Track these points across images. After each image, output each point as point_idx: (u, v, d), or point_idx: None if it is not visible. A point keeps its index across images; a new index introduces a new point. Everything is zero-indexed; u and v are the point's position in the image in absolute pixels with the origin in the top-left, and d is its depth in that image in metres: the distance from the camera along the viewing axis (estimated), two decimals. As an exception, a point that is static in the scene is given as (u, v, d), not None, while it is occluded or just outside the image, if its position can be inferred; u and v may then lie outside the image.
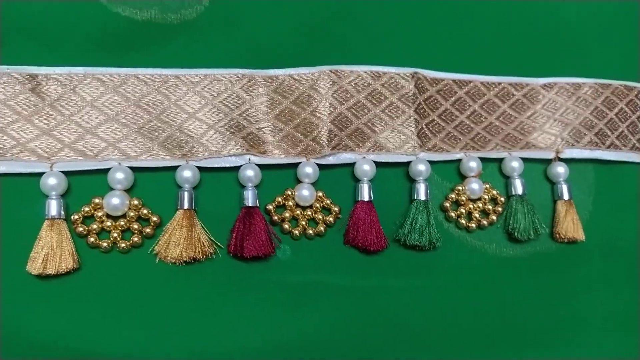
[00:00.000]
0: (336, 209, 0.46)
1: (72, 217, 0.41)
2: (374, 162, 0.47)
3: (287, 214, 0.45)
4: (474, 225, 0.49)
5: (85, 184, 0.42)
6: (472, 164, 0.49)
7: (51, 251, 0.39)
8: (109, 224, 0.41)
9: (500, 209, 0.50)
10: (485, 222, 0.49)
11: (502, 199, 0.50)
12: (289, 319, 0.44)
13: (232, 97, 0.46)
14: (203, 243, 0.42)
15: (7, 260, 0.40)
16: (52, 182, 0.41)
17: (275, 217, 0.45)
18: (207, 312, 0.43)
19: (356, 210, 0.46)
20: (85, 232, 0.41)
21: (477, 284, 0.48)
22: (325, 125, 0.46)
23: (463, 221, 0.48)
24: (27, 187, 0.41)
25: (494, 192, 0.50)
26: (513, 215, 0.49)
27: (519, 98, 0.53)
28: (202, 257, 0.42)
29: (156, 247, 0.42)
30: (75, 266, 0.40)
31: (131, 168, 0.43)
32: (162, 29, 0.47)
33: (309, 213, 0.46)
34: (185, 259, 0.42)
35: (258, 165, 0.45)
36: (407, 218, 0.47)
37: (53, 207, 0.40)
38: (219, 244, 0.43)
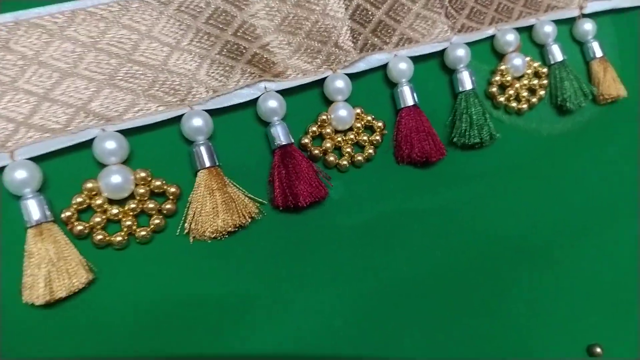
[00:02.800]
0: (380, 124, 0.38)
1: (62, 216, 0.30)
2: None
3: (328, 144, 0.36)
4: (525, 106, 0.42)
5: (66, 168, 0.31)
6: (510, 37, 0.42)
7: (52, 267, 0.28)
8: (115, 211, 0.31)
9: (545, 81, 0.43)
10: (535, 100, 0.43)
11: (545, 70, 0.43)
12: (368, 263, 0.36)
13: (217, 13, 0.35)
14: (245, 203, 0.33)
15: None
16: (21, 175, 0.29)
17: (316, 151, 0.36)
18: (273, 281, 0.34)
19: (402, 119, 0.38)
20: (87, 230, 0.30)
21: (540, 170, 0.42)
22: (345, 24, 0.37)
23: (514, 104, 0.42)
24: (-14, 192, 0.29)
25: (535, 65, 0.43)
26: (559, 84, 0.43)
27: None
28: (248, 220, 0.33)
29: (186, 224, 0.32)
30: (90, 277, 0.29)
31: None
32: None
33: (352, 137, 0.37)
34: (229, 229, 0.32)
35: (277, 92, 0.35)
36: (459, 114, 0.39)
37: (34, 209, 0.29)
38: (259, 199, 0.34)
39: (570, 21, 0.46)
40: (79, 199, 0.30)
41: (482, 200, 0.40)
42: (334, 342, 0.34)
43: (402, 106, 0.38)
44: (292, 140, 0.35)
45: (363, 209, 0.37)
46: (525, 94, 0.43)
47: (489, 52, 0.43)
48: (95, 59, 0.32)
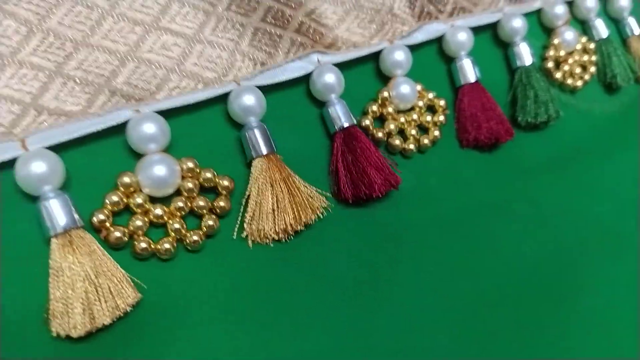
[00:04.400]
0: (442, 103, 0.33)
1: (93, 219, 0.23)
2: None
3: (392, 126, 0.31)
4: (579, 83, 0.39)
5: (92, 160, 0.24)
6: (559, 10, 0.39)
7: (91, 286, 0.21)
8: (158, 212, 0.24)
9: (594, 58, 0.40)
10: (587, 77, 0.40)
11: (592, 46, 0.40)
12: (455, 259, 0.31)
13: (254, -21, 0.29)
14: (310, 197, 0.27)
15: (10, 328, 0.21)
16: (39, 168, 0.22)
17: (380, 134, 0.31)
18: (355, 281, 0.28)
19: (464, 97, 0.34)
20: (125, 237, 0.23)
21: (596, 151, 0.39)
22: (402, -12, 0.32)
23: (569, 81, 0.38)
24: (-8, 192, 0.22)
25: (583, 40, 0.40)
26: (607, 61, 0.41)
27: None
28: (318, 215, 0.27)
29: (245, 224, 0.26)
30: (139, 296, 0.23)
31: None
32: None
33: (414, 118, 0.32)
34: (300, 227, 0.26)
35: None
36: (521, 91, 0.36)
37: (58, 212, 0.22)
38: (325, 193, 0.28)
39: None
40: (114, 198, 0.23)
41: (559, 186, 0.36)
42: (431, 343, 0.29)
43: (463, 83, 0.34)
44: (355, 121, 0.29)
45: (435, 201, 0.32)
46: (578, 70, 0.39)
47: (537, 26, 0.39)
48: (116, 26, 0.26)
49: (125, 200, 0.24)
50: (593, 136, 0.39)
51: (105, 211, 0.23)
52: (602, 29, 0.41)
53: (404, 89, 0.31)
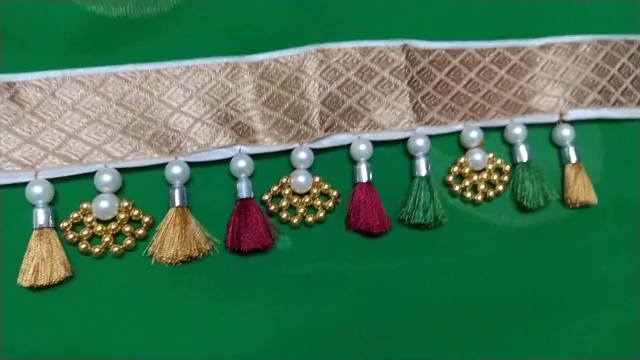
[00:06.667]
0: (335, 193, 0.44)
1: (61, 224, 0.39)
2: (371, 141, 0.45)
3: (284, 203, 0.43)
4: (480, 197, 0.47)
5: (72, 189, 0.41)
6: (473, 135, 0.47)
7: (42, 261, 0.38)
8: (99, 228, 0.40)
9: (506, 178, 0.47)
10: (492, 194, 0.47)
11: (508, 167, 0.48)
12: (295, 312, 0.42)
13: (217, 87, 0.44)
14: (199, 240, 0.41)
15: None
16: (38, 190, 0.39)
17: (272, 207, 0.43)
18: (210, 311, 0.41)
19: (356, 192, 0.44)
20: (75, 239, 0.40)
21: (488, 259, 0.46)
22: (316, 107, 0.44)
23: (469, 194, 0.46)
24: (12, 198, 0.40)
25: (499, 162, 0.48)
26: (520, 183, 0.47)
27: (516, 62, 0.50)
28: (199, 254, 0.41)
29: (150, 248, 0.40)
30: (67, 274, 0.39)
31: (119, 170, 0.41)
32: (139, 24, 0.45)
33: (307, 200, 0.44)
34: (181, 258, 0.40)
35: (250, 155, 0.43)
36: (409, 196, 0.45)
37: (41, 216, 0.39)
38: (215, 240, 0.42)
39: (553, 124, 0.50)
40: (75, 215, 0.40)
41: (417, 275, 0.44)
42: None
43: (357, 181, 0.44)
44: (252, 195, 0.42)
45: (305, 264, 0.43)
46: (482, 186, 0.47)
47: (455, 143, 0.48)
48: (116, 112, 0.43)
49: (81, 217, 0.40)
50: (484, 245, 0.46)
51: (68, 222, 0.40)
52: (524, 154, 0.48)
53: (300, 178, 0.43)
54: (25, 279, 0.38)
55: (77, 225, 0.40)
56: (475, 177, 0.47)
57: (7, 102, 0.41)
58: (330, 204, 0.44)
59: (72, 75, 0.42)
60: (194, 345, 0.40)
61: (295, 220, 0.43)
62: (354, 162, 0.45)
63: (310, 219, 0.44)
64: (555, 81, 0.50)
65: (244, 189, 0.42)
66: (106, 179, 0.40)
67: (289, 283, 0.42)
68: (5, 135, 0.40)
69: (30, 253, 0.38)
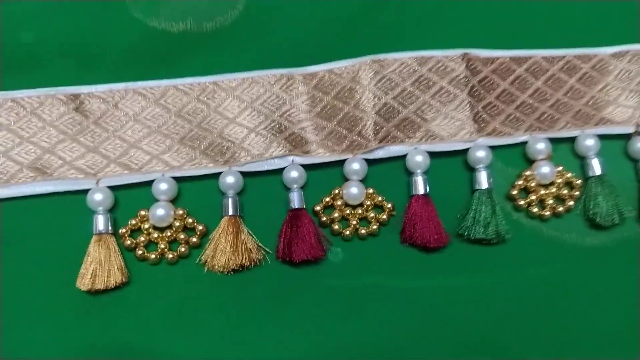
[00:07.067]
0: (389, 205, 0.43)
1: (119, 231, 0.41)
2: (428, 152, 0.43)
3: (336, 214, 0.42)
4: (547, 213, 0.43)
5: (131, 197, 0.42)
6: (540, 146, 0.44)
7: (99, 266, 0.39)
8: (155, 235, 0.41)
9: (577, 193, 0.44)
10: (561, 209, 0.44)
11: (579, 181, 0.44)
12: (344, 325, 0.41)
13: (271, 98, 0.44)
14: (250, 249, 0.40)
15: (58, 277, 0.40)
16: (99, 197, 0.41)
17: (324, 219, 0.42)
18: (259, 320, 0.40)
19: (411, 205, 0.43)
20: (133, 245, 0.40)
21: (555, 279, 0.43)
22: (370, 118, 0.43)
23: (535, 209, 0.43)
24: (75, 205, 0.41)
25: (568, 175, 0.44)
26: (593, 198, 0.44)
27: (587, 71, 0.47)
28: (250, 264, 0.40)
29: (203, 256, 0.40)
30: (124, 280, 0.40)
31: (175, 178, 0.42)
32: (199, 39, 0.46)
33: (360, 212, 0.43)
34: (232, 267, 0.40)
35: (302, 165, 0.43)
36: (469, 210, 0.43)
37: (100, 222, 0.40)
38: (267, 249, 0.41)
39: (628, 135, 0.46)
40: (133, 221, 0.41)
41: (475, 294, 0.42)
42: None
43: (413, 194, 0.43)
44: (304, 206, 0.42)
45: (356, 277, 0.42)
46: (551, 201, 0.44)
47: (519, 155, 0.45)
48: (175, 123, 0.44)
49: (139, 224, 0.41)
50: (551, 263, 0.43)
51: (127, 228, 0.41)
52: (596, 167, 0.44)
53: (353, 189, 0.42)
54: (83, 282, 0.39)
55: (135, 231, 0.41)
56: (542, 192, 0.44)
57: (72, 112, 0.43)
58: (384, 217, 0.43)
59: (134, 87, 0.44)
60: (242, 353, 0.40)
61: (348, 232, 0.42)
62: (409, 173, 0.44)
63: (363, 231, 0.42)
64: (631, 90, 0.47)
65: (296, 200, 0.42)
66: (163, 187, 0.41)
67: (338, 296, 0.41)
68: (70, 145, 0.42)
69: (89, 258, 0.39)
